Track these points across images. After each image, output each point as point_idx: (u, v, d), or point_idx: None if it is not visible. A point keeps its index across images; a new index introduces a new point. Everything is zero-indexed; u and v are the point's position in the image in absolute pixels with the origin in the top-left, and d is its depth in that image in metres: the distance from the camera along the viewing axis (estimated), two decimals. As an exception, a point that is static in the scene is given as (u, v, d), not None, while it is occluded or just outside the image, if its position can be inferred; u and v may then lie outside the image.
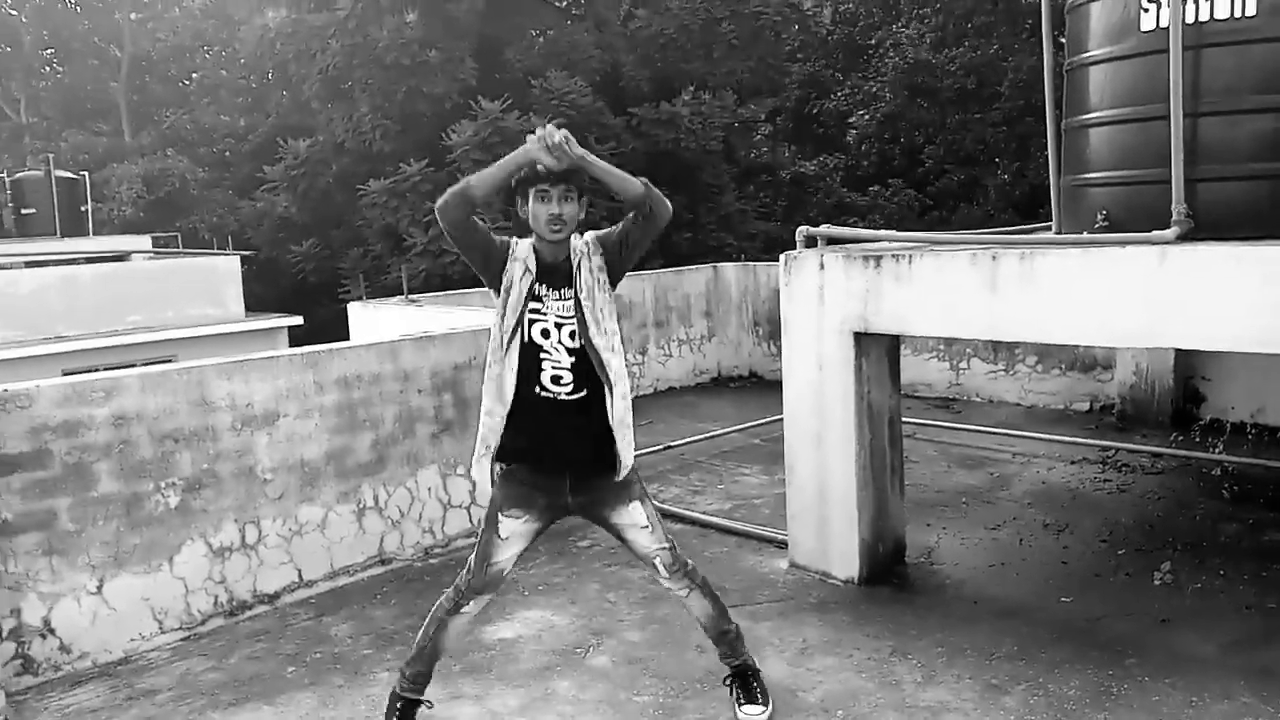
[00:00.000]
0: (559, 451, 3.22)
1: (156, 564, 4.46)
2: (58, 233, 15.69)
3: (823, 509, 4.92)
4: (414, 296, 8.67)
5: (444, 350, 5.57)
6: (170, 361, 6.11)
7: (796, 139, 22.24)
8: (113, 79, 26.71)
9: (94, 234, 16.76)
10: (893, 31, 20.26)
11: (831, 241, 5.22)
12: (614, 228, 3.25)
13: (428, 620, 3.46)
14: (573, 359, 3.15)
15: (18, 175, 16.95)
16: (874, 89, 19.95)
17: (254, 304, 14.57)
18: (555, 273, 3.18)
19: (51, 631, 4.17)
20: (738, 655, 3.59)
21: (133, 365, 4.56)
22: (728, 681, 3.63)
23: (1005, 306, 4.18)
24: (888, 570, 4.97)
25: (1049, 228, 5.42)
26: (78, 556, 4.22)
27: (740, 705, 3.57)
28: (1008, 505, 6.00)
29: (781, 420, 5.18)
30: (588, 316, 3.15)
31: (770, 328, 10.42)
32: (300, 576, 4.97)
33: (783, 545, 5.25)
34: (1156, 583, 4.70)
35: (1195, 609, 4.43)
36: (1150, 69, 4.19)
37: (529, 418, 3.17)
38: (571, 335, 3.15)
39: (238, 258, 14.16)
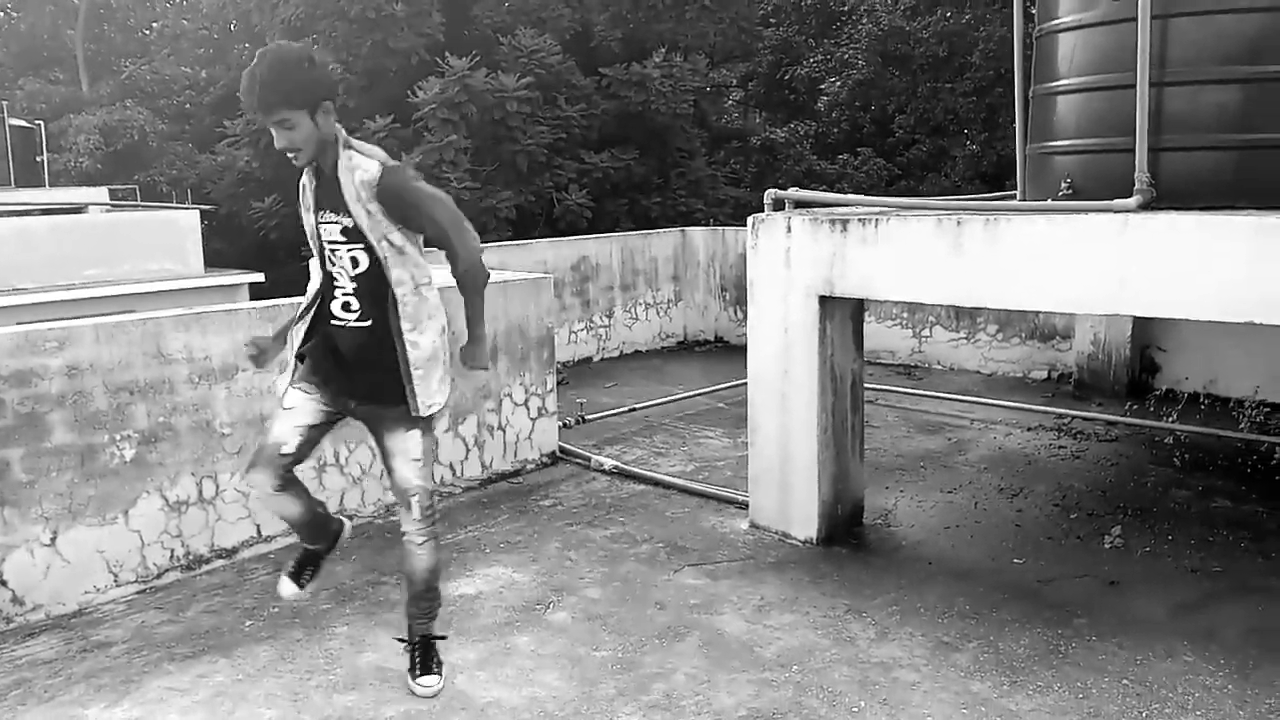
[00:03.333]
0: (347, 370, 3.26)
1: (111, 517, 4.40)
2: (12, 183, 15.32)
3: (784, 470, 4.96)
4: (378, 254, 8.56)
5: (407, 307, 5.51)
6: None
7: (768, 105, 22.17)
8: (70, 26, 25.95)
9: (50, 185, 16.38)
10: (866, -3, 20.21)
11: (799, 205, 5.21)
12: (407, 200, 3.06)
13: None
14: (355, 284, 3.16)
15: (-30, 123, 16.49)
16: (846, 55, 19.91)
17: (214, 260, 14.33)
18: (327, 192, 3.11)
19: (3, 583, 4.11)
20: (429, 619, 3.58)
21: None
22: (408, 650, 3.60)
23: (969, 272, 4.21)
24: (846, 531, 5.03)
25: (1015, 196, 5.45)
26: (31, 508, 4.16)
27: (417, 677, 3.54)
28: (965, 470, 6.08)
29: (745, 384, 5.20)
30: (373, 243, 3.07)
31: (737, 293, 10.43)
32: (259, 532, 4.93)
33: (743, 506, 5.30)
34: (1107, 546, 4.80)
35: (1143, 572, 4.53)
36: (1119, 37, 4.20)
37: (325, 332, 3.24)
38: (354, 262, 3.13)
39: (198, 212, 13.89)
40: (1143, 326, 7.88)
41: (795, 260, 4.77)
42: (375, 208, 3.05)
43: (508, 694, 3.55)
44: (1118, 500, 5.46)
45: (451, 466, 5.81)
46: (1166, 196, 4.00)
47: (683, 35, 15.01)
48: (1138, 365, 7.98)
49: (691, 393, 8.23)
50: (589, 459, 6.28)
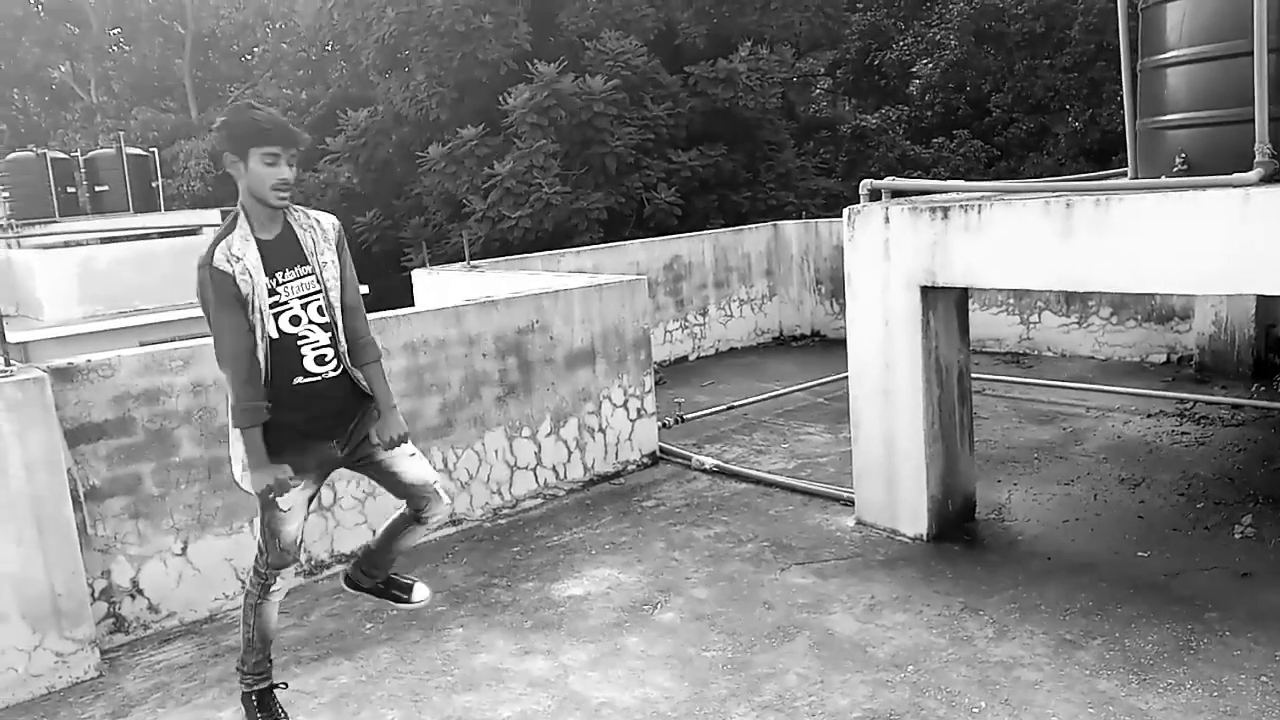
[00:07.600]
0: (329, 424, 3.17)
1: (238, 526, 4.60)
2: (131, 209, 16.13)
3: (890, 466, 4.87)
4: (475, 262, 8.73)
5: (507, 314, 5.61)
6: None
7: (857, 92, 21.78)
8: (178, 56, 27.23)
9: (165, 209, 17.19)
10: (957, -24, 19.62)
11: (896, 194, 5.11)
12: (347, 256, 3.21)
13: (243, 610, 3.41)
14: (329, 334, 3.09)
15: (91, 154, 17.44)
16: (938, 36, 19.40)
17: (320, 274, 14.76)
18: (281, 250, 3.05)
19: (140, 592, 4.34)
20: (387, 569, 3.62)
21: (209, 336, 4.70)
22: (380, 591, 3.61)
23: (1080, 255, 4.06)
24: (957, 527, 4.91)
25: (1124, 174, 5.24)
26: (163, 520, 4.38)
27: (408, 600, 3.58)
28: (1081, 460, 5.87)
29: (845, 378, 5.13)
30: (330, 287, 3.09)
31: (832, 285, 10.29)
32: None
33: (849, 503, 5.22)
34: (1237, 536, 4.57)
35: (1278, 563, 4.30)
36: (1231, 3, 4.00)
37: (294, 404, 3.07)
38: (320, 310, 3.07)
39: (304, 229, 14.38)
40: (1267, 304, 7.47)
41: (895, 251, 4.68)
42: (333, 258, 3.13)
43: (620, 694, 3.58)
44: (1247, 488, 5.19)
45: (555, 469, 5.89)
46: (1291, 168, 3.79)
47: (768, 26, 14.84)
48: (1263, 345, 7.58)
49: (790, 389, 8.16)
50: (689, 458, 6.29)
